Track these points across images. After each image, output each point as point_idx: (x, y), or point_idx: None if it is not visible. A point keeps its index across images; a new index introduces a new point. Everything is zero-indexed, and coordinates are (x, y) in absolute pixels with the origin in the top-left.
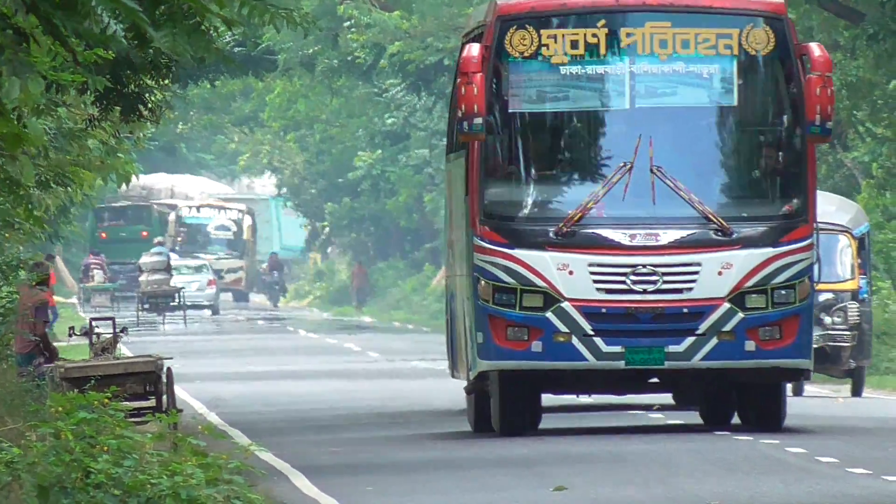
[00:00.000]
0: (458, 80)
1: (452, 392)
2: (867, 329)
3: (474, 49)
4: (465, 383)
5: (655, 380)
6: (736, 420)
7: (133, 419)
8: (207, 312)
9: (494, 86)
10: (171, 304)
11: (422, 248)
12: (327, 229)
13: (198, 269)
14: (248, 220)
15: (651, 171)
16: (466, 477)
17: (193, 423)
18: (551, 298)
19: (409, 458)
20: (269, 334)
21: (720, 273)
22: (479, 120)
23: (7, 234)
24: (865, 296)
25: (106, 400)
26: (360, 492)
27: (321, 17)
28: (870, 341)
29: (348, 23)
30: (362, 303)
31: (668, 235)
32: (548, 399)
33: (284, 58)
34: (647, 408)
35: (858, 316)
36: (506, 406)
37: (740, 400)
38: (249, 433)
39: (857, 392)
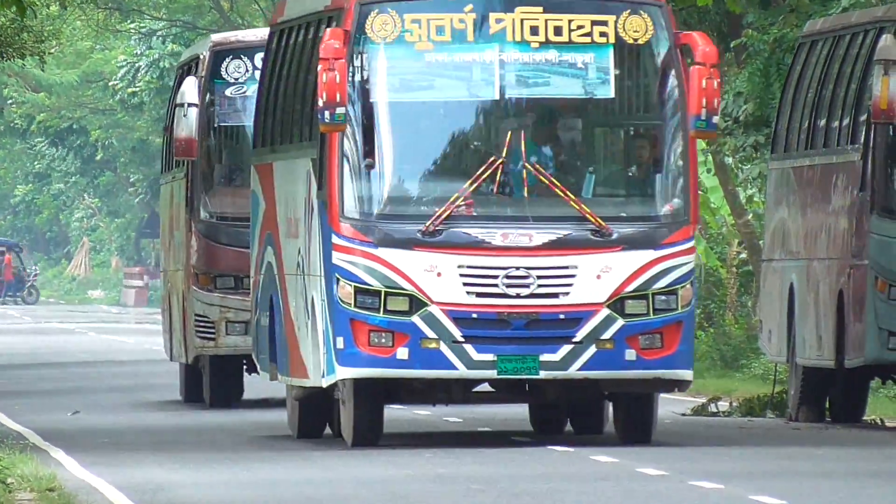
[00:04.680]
0: (319, 66)
1: (77, 343)
2: None
3: (335, 34)
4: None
5: (488, 388)
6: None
7: None
8: None
9: (354, 73)
10: None
11: (59, 250)
12: None
13: None
14: None
15: (523, 166)
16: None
17: None
18: (418, 302)
19: (53, 383)
20: None
21: (598, 277)
22: (341, 109)
23: None
24: None
25: None
26: (11, 410)
27: None
28: None
29: (10, 101)
30: None
31: (542, 235)
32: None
33: None
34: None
35: None
36: (360, 416)
37: (571, 408)
38: None
39: None
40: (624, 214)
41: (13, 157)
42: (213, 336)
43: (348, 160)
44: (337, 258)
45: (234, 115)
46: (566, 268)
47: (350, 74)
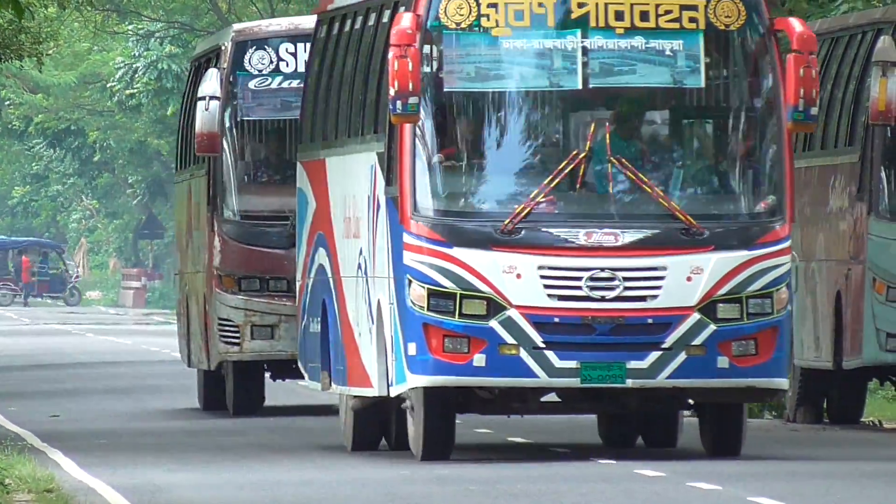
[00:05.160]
0: (390, 53)
1: (75, 344)
2: None
3: (407, 19)
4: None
5: (555, 398)
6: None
7: None
8: None
9: (427, 61)
10: None
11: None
12: None
13: None
14: None
15: (608, 160)
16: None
17: None
18: (496, 305)
19: (51, 384)
20: None
21: (689, 279)
22: (414, 99)
23: None
24: None
25: None
26: (9, 411)
27: None
28: None
29: (8, 102)
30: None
31: (629, 235)
32: None
33: None
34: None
35: None
36: (431, 427)
37: (643, 420)
38: None
39: None
40: (715, 212)
41: (11, 158)
42: (237, 341)
43: (421, 153)
44: (408, 258)
45: (258, 109)
46: (654, 269)
47: (422, 62)
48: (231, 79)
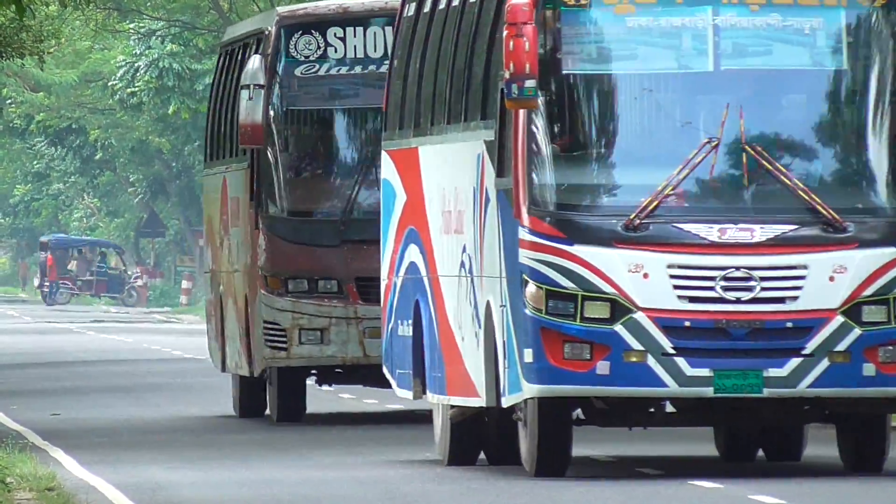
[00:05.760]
0: (505, 32)
1: (77, 342)
2: None
3: None
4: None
5: (672, 409)
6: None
7: None
8: None
9: (545, 41)
10: None
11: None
12: None
13: None
14: None
15: (743, 148)
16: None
17: None
18: (621, 308)
19: (52, 382)
20: None
21: (832, 278)
22: (531, 82)
23: None
24: None
25: None
26: (10, 409)
27: None
28: None
29: (9, 100)
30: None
31: (766, 231)
32: None
33: None
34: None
35: None
36: (547, 441)
37: (764, 432)
38: None
39: None
40: (860, 206)
41: (12, 156)
42: (284, 345)
43: (538, 142)
44: (524, 256)
45: (305, 98)
46: (794, 268)
47: (540, 42)
48: (276, 66)
